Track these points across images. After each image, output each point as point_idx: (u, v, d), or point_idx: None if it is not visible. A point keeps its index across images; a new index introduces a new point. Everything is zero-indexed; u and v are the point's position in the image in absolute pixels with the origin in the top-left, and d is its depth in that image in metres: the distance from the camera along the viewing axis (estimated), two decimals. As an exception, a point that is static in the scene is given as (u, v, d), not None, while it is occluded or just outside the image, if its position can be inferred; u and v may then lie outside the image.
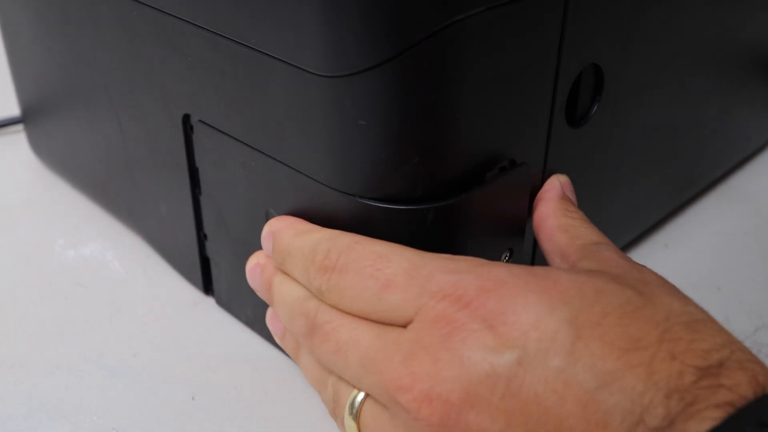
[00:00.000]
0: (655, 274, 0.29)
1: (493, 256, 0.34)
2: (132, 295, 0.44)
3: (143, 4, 0.36)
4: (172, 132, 0.39)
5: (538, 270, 0.27)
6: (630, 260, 0.30)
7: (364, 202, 0.30)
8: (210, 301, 0.44)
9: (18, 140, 0.58)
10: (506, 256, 0.34)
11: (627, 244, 0.47)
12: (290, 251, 0.32)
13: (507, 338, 0.25)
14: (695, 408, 0.23)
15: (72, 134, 0.49)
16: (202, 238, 0.41)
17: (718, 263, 0.47)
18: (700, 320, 0.26)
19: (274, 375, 0.39)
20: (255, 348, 0.41)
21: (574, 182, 0.39)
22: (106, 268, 0.47)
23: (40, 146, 0.54)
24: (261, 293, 0.34)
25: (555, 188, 0.34)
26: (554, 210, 0.33)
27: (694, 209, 0.52)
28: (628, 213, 0.45)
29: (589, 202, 0.41)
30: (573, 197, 0.35)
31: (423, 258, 0.28)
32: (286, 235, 0.32)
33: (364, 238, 0.30)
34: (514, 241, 0.34)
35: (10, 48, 0.51)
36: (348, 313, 0.29)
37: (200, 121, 0.37)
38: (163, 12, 0.35)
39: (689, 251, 0.48)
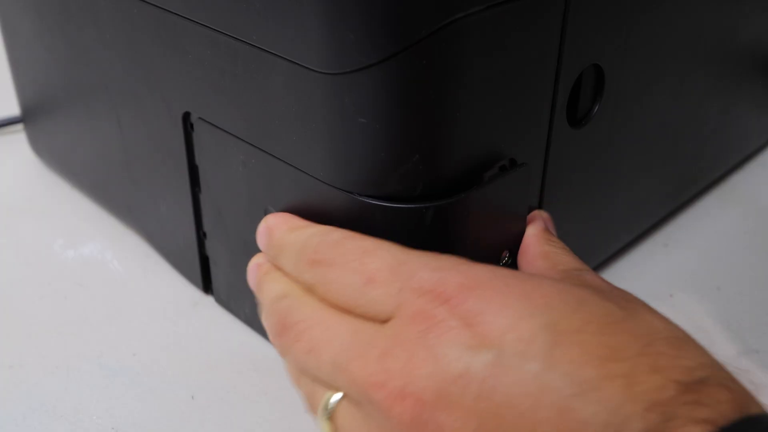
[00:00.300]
0: (637, 298, 0.28)
1: (492, 256, 0.34)
2: (132, 295, 0.44)
3: (143, 1, 0.36)
4: (172, 130, 0.39)
5: (521, 274, 0.27)
6: (612, 285, 0.30)
7: (364, 200, 0.30)
8: (210, 301, 0.44)
9: (18, 140, 0.58)
10: (506, 257, 0.34)
11: (627, 244, 0.47)
12: (283, 246, 0.32)
13: (484, 338, 0.25)
14: (674, 423, 0.22)
15: (72, 133, 0.49)
16: (201, 237, 0.41)
17: (718, 263, 0.47)
18: (683, 338, 0.25)
19: (274, 375, 0.39)
20: (255, 348, 0.41)
21: (574, 182, 0.39)
22: (106, 267, 0.47)
23: (40, 146, 0.54)
24: (256, 293, 0.34)
25: (538, 219, 0.34)
26: (536, 239, 0.33)
27: (694, 209, 0.52)
28: (628, 213, 0.45)
29: (589, 201, 0.41)
30: (553, 232, 0.35)
31: (408, 255, 0.28)
32: (280, 229, 0.32)
33: (355, 234, 0.30)
34: (513, 242, 0.34)
35: (10, 48, 0.51)
36: (334, 307, 0.29)
37: (200, 118, 0.37)
38: (164, 9, 0.35)
39: (689, 251, 0.48)
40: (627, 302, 0.27)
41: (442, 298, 0.26)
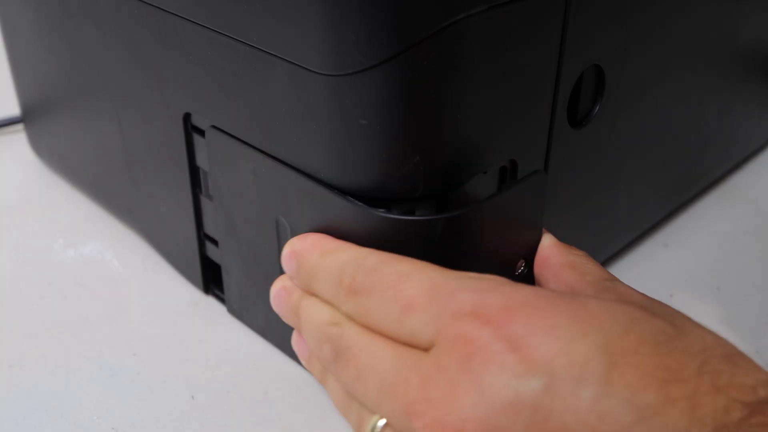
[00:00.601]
0: (678, 310, 0.27)
1: (507, 266, 0.33)
2: (132, 295, 0.44)
3: (144, 2, 0.36)
4: (172, 131, 0.39)
5: (565, 294, 0.26)
6: (647, 296, 0.29)
7: (374, 212, 0.30)
8: (210, 301, 0.44)
9: (18, 140, 0.58)
10: (522, 267, 0.33)
11: (627, 244, 0.47)
12: (317, 273, 0.30)
13: (533, 363, 0.23)
14: None
15: (72, 134, 0.49)
16: (202, 237, 0.41)
17: (718, 263, 0.47)
18: (736, 354, 0.24)
19: (274, 375, 0.39)
20: (255, 348, 0.41)
21: (575, 182, 0.39)
22: (106, 267, 0.47)
23: (40, 146, 0.54)
24: (288, 318, 0.33)
25: (549, 234, 0.33)
26: (557, 250, 0.32)
27: (694, 209, 0.52)
28: (628, 213, 0.45)
29: (589, 202, 0.41)
30: None
31: (446, 277, 0.27)
32: (312, 255, 0.31)
33: (391, 256, 0.28)
34: (528, 252, 0.33)
35: (10, 48, 0.51)
36: (377, 335, 0.28)
37: (213, 126, 0.36)
38: (164, 10, 0.35)
39: (689, 251, 0.48)
40: (673, 317, 0.26)
41: (483, 320, 0.24)
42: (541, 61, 0.32)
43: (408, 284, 0.27)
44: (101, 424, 0.36)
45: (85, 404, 0.37)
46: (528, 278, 0.33)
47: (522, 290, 0.25)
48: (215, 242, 0.41)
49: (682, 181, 0.49)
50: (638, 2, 0.36)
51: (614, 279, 0.30)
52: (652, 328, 0.24)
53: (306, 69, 0.29)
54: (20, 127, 0.57)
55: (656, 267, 0.47)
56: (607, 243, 0.45)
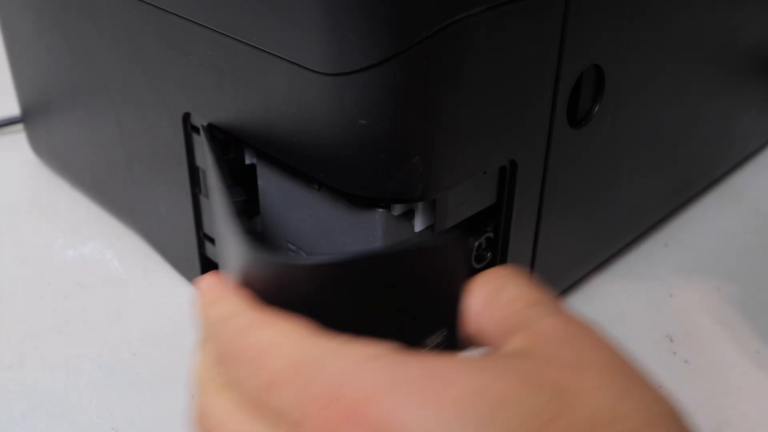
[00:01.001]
0: (600, 345, 0.24)
1: (415, 331, 0.28)
2: (132, 295, 0.44)
3: (143, 2, 0.36)
4: (172, 131, 0.39)
5: (439, 363, 0.23)
6: (571, 324, 0.25)
7: (250, 249, 0.26)
8: (210, 301, 0.44)
9: (18, 140, 0.58)
10: (440, 338, 0.28)
11: (627, 244, 0.47)
12: (202, 324, 0.28)
13: None
14: None
15: (72, 133, 0.49)
16: (201, 237, 0.41)
17: (718, 263, 0.48)
18: (640, 428, 0.22)
19: (274, 375, 0.39)
20: (255, 348, 0.41)
21: (574, 182, 0.39)
22: (106, 267, 0.47)
23: (40, 146, 0.54)
24: None
25: (475, 279, 0.28)
26: (480, 289, 0.27)
27: (694, 209, 0.52)
28: (628, 213, 0.45)
29: (589, 202, 0.41)
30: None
31: (311, 349, 0.24)
32: (201, 301, 0.28)
33: (262, 319, 0.26)
34: (449, 320, 0.27)
35: (10, 48, 0.51)
36: (245, 410, 0.26)
37: (205, 125, 0.36)
38: (164, 10, 0.35)
39: (689, 251, 0.48)
40: (575, 373, 0.23)
41: (343, 412, 0.23)
42: (541, 61, 0.32)
43: (272, 357, 0.25)
44: (101, 424, 0.36)
45: (85, 404, 0.37)
46: (451, 346, 0.28)
47: (387, 367, 0.23)
48: (213, 242, 0.41)
49: (683, 181, 0.49)
50: (638, 2, 0.36)
51: (538, 303, 0.26)
52: (525, 410, 0.22)
53: (306, 68, 0.29)
54: (20, 127, 0.57)
55: (656, 267, 0.47)
56: (607, 243, 0.45)
